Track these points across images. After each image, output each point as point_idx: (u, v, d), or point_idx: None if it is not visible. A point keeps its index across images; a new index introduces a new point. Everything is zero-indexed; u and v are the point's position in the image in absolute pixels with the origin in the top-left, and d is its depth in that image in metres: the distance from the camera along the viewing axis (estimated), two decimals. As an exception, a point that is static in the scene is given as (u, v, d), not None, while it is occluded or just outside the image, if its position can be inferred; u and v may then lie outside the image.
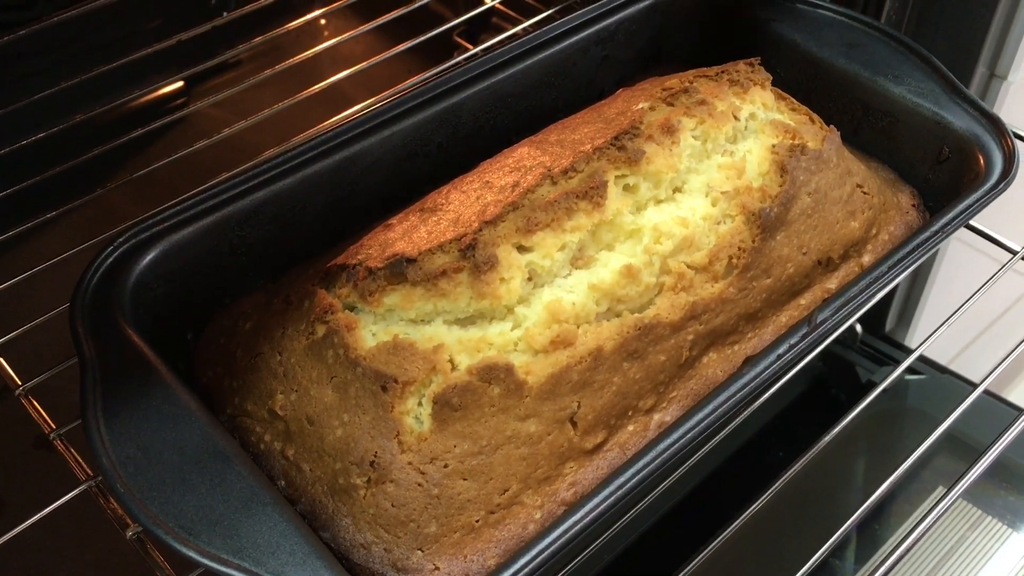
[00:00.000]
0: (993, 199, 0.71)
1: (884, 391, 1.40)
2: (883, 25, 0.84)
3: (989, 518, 1.21)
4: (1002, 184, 0.71)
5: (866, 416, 1.35)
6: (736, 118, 0.70)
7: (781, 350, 0.61)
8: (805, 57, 0.84)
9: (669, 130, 0.66)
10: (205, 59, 1.05)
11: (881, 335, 1.49)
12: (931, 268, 1.43)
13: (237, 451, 0.55)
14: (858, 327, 1.28)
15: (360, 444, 0.58)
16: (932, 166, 0.79)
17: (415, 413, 0.58)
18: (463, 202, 0.64)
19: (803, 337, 0.62)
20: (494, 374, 0.58)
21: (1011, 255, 0.85)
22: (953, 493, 0.70)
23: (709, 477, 1.15)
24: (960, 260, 1.34)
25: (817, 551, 0.66)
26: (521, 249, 0.61)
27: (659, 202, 0.66)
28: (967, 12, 1.03)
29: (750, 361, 0.61)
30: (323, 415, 0.59)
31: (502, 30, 1.13)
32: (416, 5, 1.06)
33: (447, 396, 0.57)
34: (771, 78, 0.76)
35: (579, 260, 0.62)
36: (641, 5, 0.87)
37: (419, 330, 0.60)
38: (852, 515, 0.96)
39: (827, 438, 0.73)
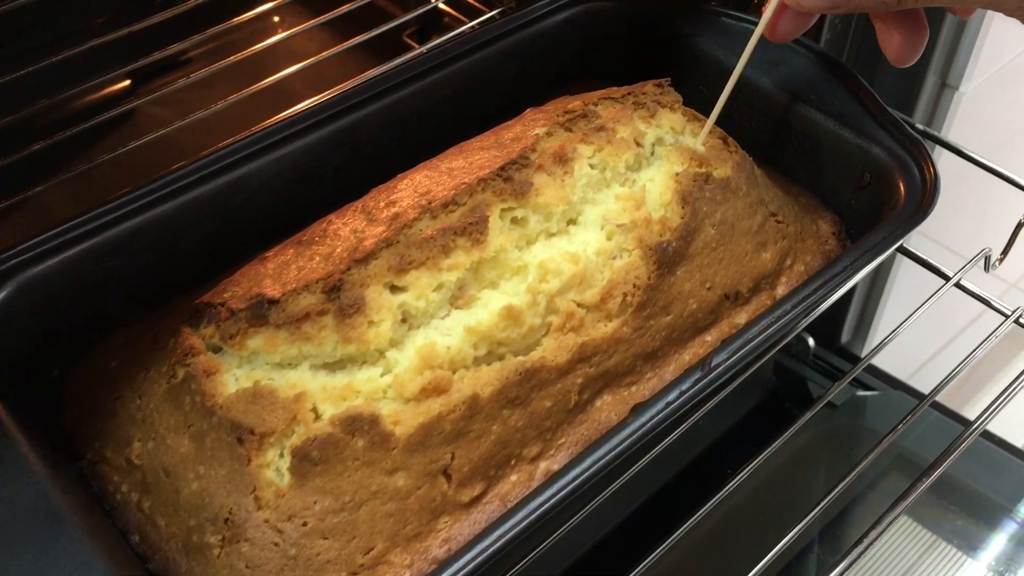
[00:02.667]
0: (911, 229, 0.67)
1: (837, 407, 1.36)
2: (808, 41, 0.80)
3: (943, 543, 1.18)
4: (919, 215, 0.67)
5: (818, 433, 1.32)
6: (639, 144, 0.66)
7: (671, 397, 0.58)
8: (729, 74, 0.80)
9: (562, 159, 0.63)
10: (152, 56, 1.01)
11: (836, 348, 1.45)
12: (887, 278, 1.40)
13: (77, 510, 0.52)
14: (811, 340, 1.25)
15: (215, 499, 0.54)
16: (854, 192, 0.75)
17: (275, 466, 0.54)
18: (341, 235, 0.60)
19: (696, 382, 0.58)
20: (358, 425, 0.54)
21: (944, 281, 0.82)
22: (895, 511, 0.68)
23: (654, 494, 1.12)
24: (918, 268, 1.31)
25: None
26: (394, 289, 0.57)
27: (550, 235, 0.62)
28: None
29: (638, 409, 0.57)
30: (179, 466, 0.56)
31: (453, 29, 1.10)
32: (363, 1, 1.03)
33: (307, 449, 0.53)
34: (681, 100, 0.72)
35: (459, 300, 0.59)
36: (559, 17, 0.83)
37: (283, 375, 0.56)
38: (799, 537, 0.93)
39: (757, 462, 0.70)
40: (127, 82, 1.19)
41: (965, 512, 1.21)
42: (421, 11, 1.11)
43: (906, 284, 1.42)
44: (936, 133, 0.94)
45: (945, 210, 1.25)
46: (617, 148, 0.65)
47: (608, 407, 0.62)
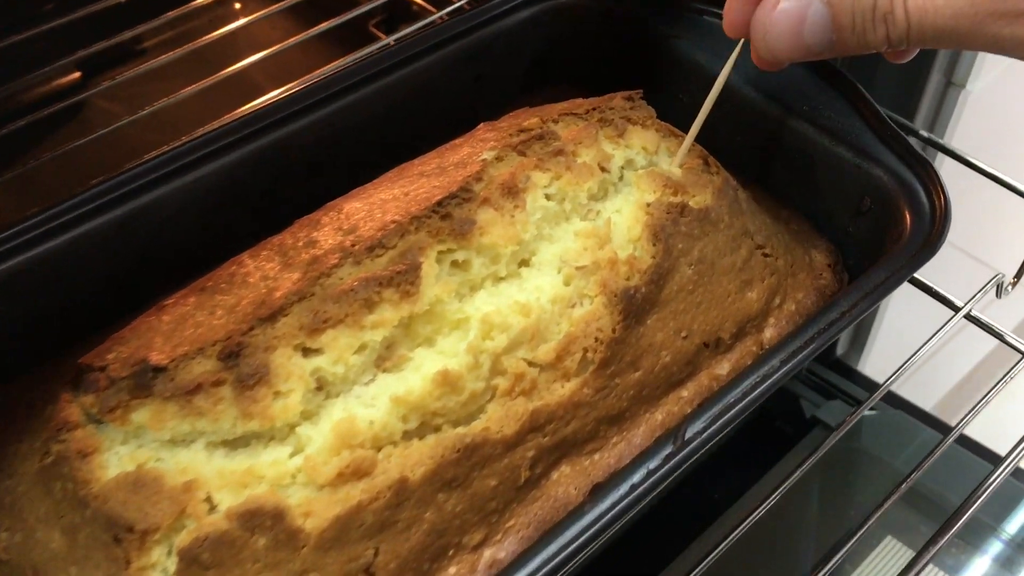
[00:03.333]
0: (917, 266, 0.58)
1: (831, 429, 1.27)
2: (802, 44, 0.71)
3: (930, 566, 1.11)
4: (927, 249, 0.58)
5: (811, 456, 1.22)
6: (604, 169, 0.57)
7: (636, 478, 0.49)
8: (711, 82, 0.70)
9: (512, 191, 0.53)
10: (104, 42, 0.93)
11: (830, 361, 1.36)
12: None
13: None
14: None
15: (89, 608, 0.45)
16: (853, 218, 0.66)
17: (162, 566, 0.45)
18: (250, 282, 0.51)
19: (666, 459, 0.49)
20: (259, 520, 0.45)
21: (954, 312, 0.74)
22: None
23: (641, 520, 1.04)
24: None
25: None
26: (307, 352, 0.48)
27: (498, 280, 0.53)
28: None
29: (598, 492, 0.48)
30: (49, 565, 0.47)
31: (423, 18, 1.01)
32: None
33: (196, 550, 0.44)
34: (654, 114, 0.63)
35: (386, 362, 0.50)
36: (521, 16, 0.73)
37: (174, 456, 0.47)
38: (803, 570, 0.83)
39: (773, 497, 0.62)
40: (77, 74, 1.11)
41: (922, 512, 1.14)
42: (382, 1, 1.02)
43: (907, 288, 1.31)
44: (940, 140, 0.85)
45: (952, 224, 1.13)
46: (578, 175, 0.56)
47: (566, 480, 0.53)
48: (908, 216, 0.61)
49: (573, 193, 0.55)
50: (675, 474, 0.50)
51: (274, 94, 0.76)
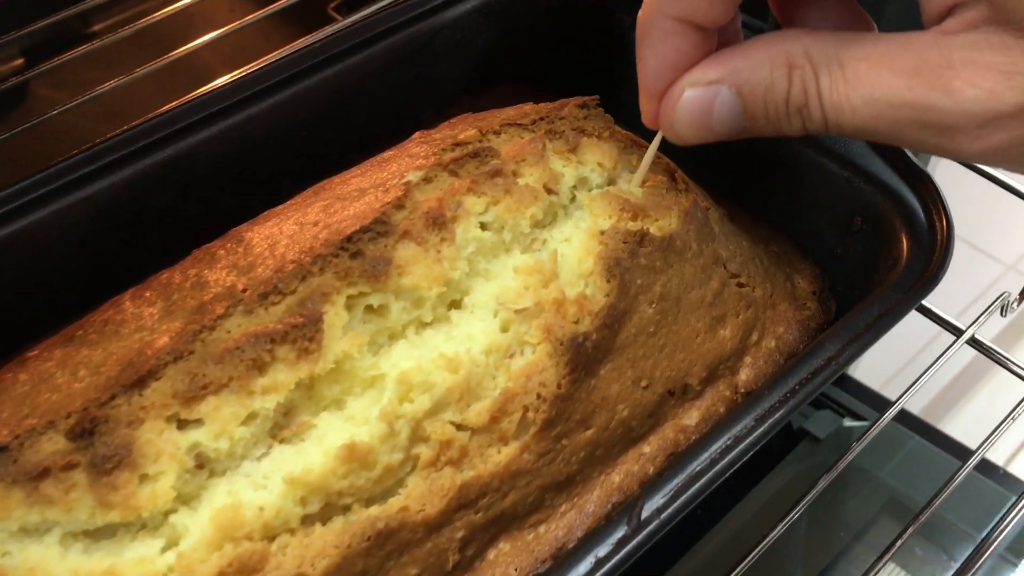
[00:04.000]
0: (915, 302, 0.50)
1: (821, 441, 1.19)
2: (784, 38, 0.63)
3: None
4: (927, 282, 0.50)
5: (800, 471, 1.15)
6: (551, 191, 0.49)
7: (583, 569, 0.41)
8: (680, 81, 0.62)
9: (439, 222, 0.45)
10: (49, 31, 0.87)
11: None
12: None
13: None
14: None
15: None
16: (842, 239, 0.58)
17: None
18: (123, 332, 0.43)
19: (620, 544, 0.41)
20: (119, 635, 0.37)
21: (956, 336, 0.66)
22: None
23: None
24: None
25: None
26: (182, 425, 0.40)
27: (423, 326, 0.45)
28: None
29: (536, 586, 0.40)
30: None
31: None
32: None
33: (41, 674, 0.36)
34: (612, 123, 0.55)
35: (284, 430, 0.41)
36: (467, 6, 0.65)
37: (24, 549, 0.39)
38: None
39: (784, 526, 0.54)
40: (20, 60, 1.03)
41: (927, 539, 1.07)
42: None
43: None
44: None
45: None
46: (519, 200, 0.47)
47: (505, 559, 0.45)
48: (905, 240, 0.53)
49: (513, 221, 0.47)
50: (632, 559, 0.42)
51: (220, 82, 0.70)
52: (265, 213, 0.51)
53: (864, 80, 0.38)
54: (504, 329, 0.45)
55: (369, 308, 0.44)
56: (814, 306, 0.57)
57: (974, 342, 0.66)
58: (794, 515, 0.51)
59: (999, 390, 1.60)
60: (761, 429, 0.45)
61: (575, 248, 0.48)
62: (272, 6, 0.86)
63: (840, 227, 0.58)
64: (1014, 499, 0.61)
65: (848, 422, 1.14)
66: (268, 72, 0.58)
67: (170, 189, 0.56)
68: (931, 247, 0.52)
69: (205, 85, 0.79)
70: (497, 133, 0.51)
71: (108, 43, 0.84)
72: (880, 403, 1.17)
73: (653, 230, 0.49)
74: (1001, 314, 0.69)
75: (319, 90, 0.60)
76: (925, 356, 1.51)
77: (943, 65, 0.36)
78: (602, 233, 0.48)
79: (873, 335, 0.49)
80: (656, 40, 0.44)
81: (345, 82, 0.61)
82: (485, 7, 0.65)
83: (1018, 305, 0.71)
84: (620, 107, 0.66)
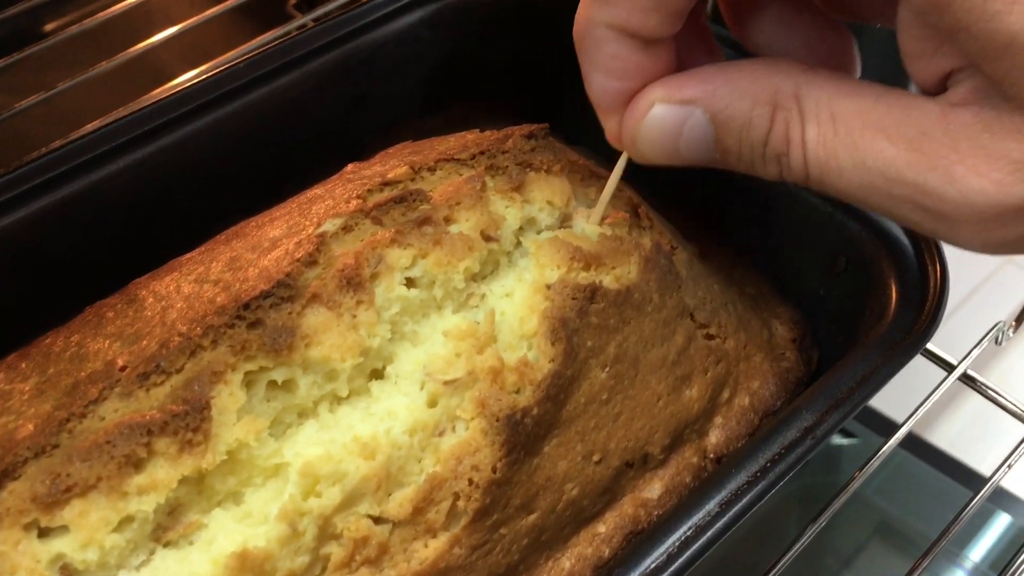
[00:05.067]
0: (906, 360, 0.45)
1: (807, 463, 1.13)
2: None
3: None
4: (919, 336, 0.45)
5: (787, 493, 1.09)
6: (490, 238, 0.43)
7: None
8: (647, 100, 0.56)
9: (354, 281, 0.39)
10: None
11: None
12: None
13: None
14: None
15: None
16: (825, 279, 0.52)
17: None
18: (-11, 415, 0.37)
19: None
20: None
21: (947, 371, 0.60)
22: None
23: None
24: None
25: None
26: (43, 533, 0.34)
27: (338, 402, 0.39)
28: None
29: None
30: None
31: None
32: None
33: None
34: (567, 152, 0.49)
35: (170, 532, 0.36)
36: (413, 18, 0.59)
37: None
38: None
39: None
40: None
41: (909, 556, 1.02)
42: None
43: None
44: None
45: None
46: (451, 251, 0.41)
47: (436, 665, 0.40)
48: (893, 286, 0.47)
49: (445, 276, 0.41)
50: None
51: (182, 79, 0.65)
52: (171, 262, 0.45)
53: (858, 142, 0.32)
54: (432, 403, 0.39)
55: (273, 384, 0.38)
56: (793, 356, 0.51)
57: (966, 378, 0.61)
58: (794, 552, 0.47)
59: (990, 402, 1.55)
60: (726, 518, 0.39)
61: (517, 305, 0.42)
62: (229, 2, 0.81)
63: (823, 267, 0.52)
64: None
65: (838, 439, 1.08)
66: (185, 97, 0.52)
67: (75, 228, 0.50)
68: (922, 296, 0.46)
69: (158, 83, 0.75)
70: (432, 170, 0.45)
71: (60, 42, 0.79)
72: (871, 418, 1.11)
73: (608, 282, 0.44)
74: (996, 343, 0.64)
75: (244, 115, 0.54)
76: (917, 362, 1.45)
77: (948, 145, 0.30)
78: (548, 287, 0.42)
79: (855, 402, 0.43)
80: (592, 49, 0.38)
81: (276, 105, 0.55)
82: (432, 19, 0.59)
83: (1014, 332, 0.66)
84: (585, 127, 0.61)
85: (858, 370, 0.43)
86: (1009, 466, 0.58)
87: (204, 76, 0.53)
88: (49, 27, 1.06)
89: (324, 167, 0.56)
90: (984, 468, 1.01)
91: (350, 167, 0.50)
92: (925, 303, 0.46)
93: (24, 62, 0.81)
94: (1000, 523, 1.00)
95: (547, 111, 0.62)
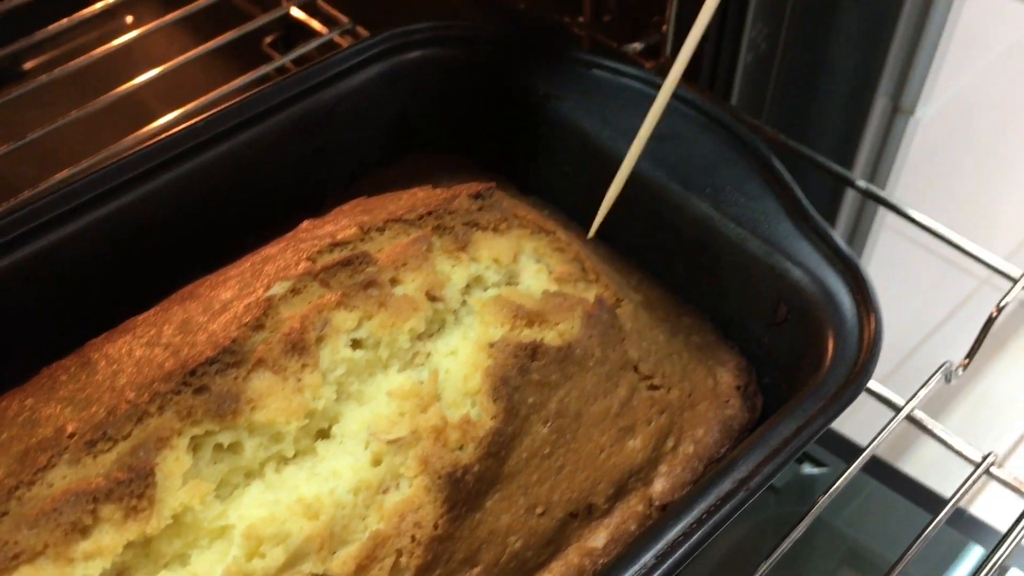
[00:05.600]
0: (836, 414, 0.46)
1: (779, 491, 1.15)
2: (710, 106, 0.58)
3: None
4: (850, 389, 0.46)
5: (757, 524, 1.10)
6: (435, 298, 0.45)
7: None
8: (598, 154, 0.58)
9: (298, 347, 0.41)
10: None
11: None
12: None
13: None
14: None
15: None
16: (767, 328, 0.54)
17: None
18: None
19: None
20: None
21: (895, 411, 0.62)
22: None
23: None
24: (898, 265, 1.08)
25: None
26: (-10, 602, 0.36)
27: (284, 462, 0.40)
28: (861, 27, 0.79)
29: None
30: None
31: (320, 36, 0.90)
32: None
33: None
34: (515, 208, 0.50)
35: (117, 594, 0.37)
36: (371, 73, 0.60)
37: None
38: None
39: None
40: None
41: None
42: (272, 17, 0.92)
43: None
44: (880, 192, 0.74)
45: (894, 287, 1.01)
46: (395, 313, 0.43)
47: None
48: (831, 336, 0.49)
49: (390, 336, 0.43)
50: None
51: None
52: (126, 323, 0.46)
53: None
54: (376, 462, 0.41)
55: (220, 446, 0.39)
56: (738, 403, 0.53)
57: (912, 419, 0.62)
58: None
59: (964, 417, 1.57)
60: (660, 572, 0.40)
61: (461, 363, 0.44)
62: (209, 44, 0.83)
63: (766, 316, 0.53)
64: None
65: (807, 469, 1.09)
66: (146, 155, 0.54)
67: (38, 285, 0.51)
68: (857, 348, 0.47)
69: (141, 123, 0.76)
70: (381, 230, 0.47)
71: (42, 82, 0.80)
72: (839, 445, 1.12)
73: (550, 339, 0.45)
74: (946, 381, 0.65)
75: (206, 171, 0.55)
76: (915, 361, 1.47)
77: None
78: (491, 345, 0.44)
79: (788, 453, 0.44)
80: None
81: (238, 160, 0.56)
82: (390, 74, 0.61)
83: (964, 370, 0.67)
84: (535, 178, 0.62)
85: (791, 422, 0.45)
86: (955, 504, 0.59)
87: (161, 137, 0.54)
88: (28, 65, 1.08)
89: (286, 218, 0.58)
90: (1015, 479, 1.02)
91: (305, 224, 0.51)
92: (859, 355, 0.47)
93: (5, 100, 0.82)
94: (974, 555, 1.01)
95: (501, 161, 0.63)
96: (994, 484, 0.62)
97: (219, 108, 0.56)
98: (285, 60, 0.87)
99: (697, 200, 0.54)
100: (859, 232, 0.97)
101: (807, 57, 0.84)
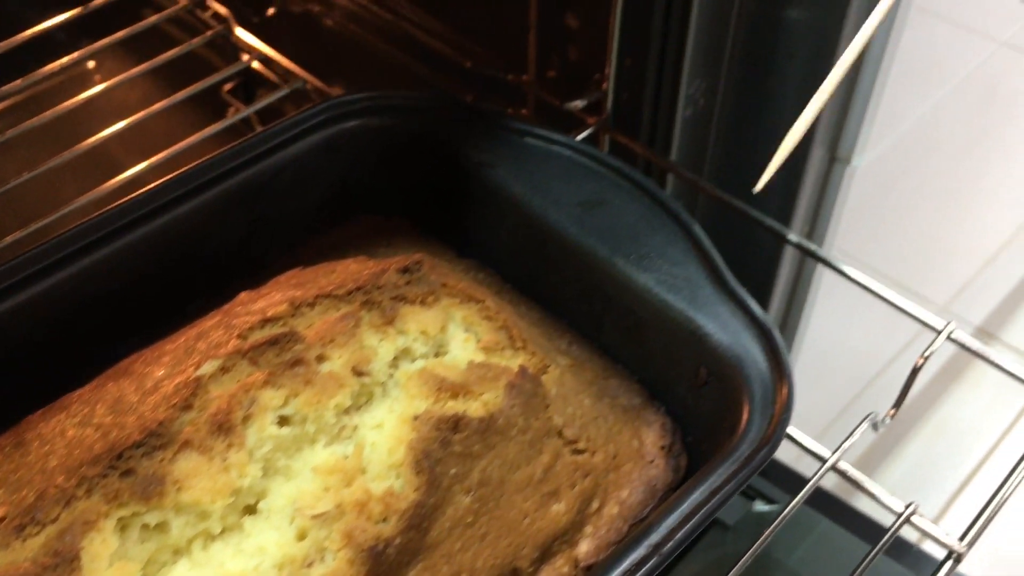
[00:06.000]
0: (746, 480, 0.48)
1: (730, 527, 1.16)
2: (634, 173, 0.61)
3: None
4: (757, 455, 0.48)
5: (709, 562, 1.12)
6: (363, 373, 0.46)
7: None
8: (531, 220, 0.60)
9: (224, 427, 0.42)
10: None
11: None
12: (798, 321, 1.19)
13: None
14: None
15: None
16: (691, 390, 0.56)
17: None
18: None
19: None
20: None
21: (820, 463, 0.64)
22: None
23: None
24: (834, 299, 1.10)
25: None
26: None
27: (211, 539, 0.42)
28: (796, 79, 0.82)
29: None
30: None
31: (279, 88, 0.92)
32: (181, 51, 0.89)
33: None
34: (445, 279, 0.52)
35: (45, 674, 0.38)
36: (310, 141, 0.62)
37: None
38: None
39: None
40: None
41: None
42: (233, 70, 0.94)
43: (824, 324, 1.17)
44: (812, 247, 0.76)
45: (837, 336, 1.03)
46: (321, 390, 0.45)
47: None
48: (746, 401, 0.51)
49: (316, 413, 0.44)
50: None
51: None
52: (63, 399, 0.48)
53: None
54: (301, 537, 0.42)
55: (147, 526, 0.41)
56: (662, 463, 0.55)
57: (837, 470, 0.64)
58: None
59: (925, 443, 1.60)
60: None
61: (386, 436, 0.45)
62: (173, 97, 0.85)
63: (688, 378, 0.55)
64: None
65: (759, 506, 1.11)
66: (85, 230, 0.55)
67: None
68: (769, 415, 0.50)
69: (106, 174, 0.78)
70: (311, 305, 0.49)
71: (7, 137, 0.82)
72: (792, 481, 1.14)
73: (474, 409, 0.47)
74: (874, 429, 0.67)
75: (147, 243, 0.57)
76: (854, 410, 1.50)
77: None
78: (415, 418, 0.46)
79: (702, 517, 0.46)
80: None
81: (179, 231, 0.58)
82: (328, 143, 0.62)
83: (891, 419, 0.70)
84: (472, 244, 0.64)
85: (705, 487, 0.47)
86: (879, 552, 0.61)
87: (98, 213, 0.56)
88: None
89: (227, 285, 0.60)
90: (910, 536, 1.05)
91: (242, 296, 0.53)
92: (771, 420, 0.49)
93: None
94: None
95: (440, 225, 0.65)
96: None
97: (158, 182, 0.58)
98: (248, 112, 0.89)
99: (623, 266, 0.57)
100: (801, 284, 1.00)
101: (745, 111, 0.86)
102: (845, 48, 0.88)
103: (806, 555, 1.11)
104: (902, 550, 1.08)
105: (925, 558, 1.05)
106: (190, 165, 0.59)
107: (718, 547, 1.09)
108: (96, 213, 0.56)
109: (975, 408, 1.61)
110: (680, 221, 0.58)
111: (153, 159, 0.79)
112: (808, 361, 1.12)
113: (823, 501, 1.11)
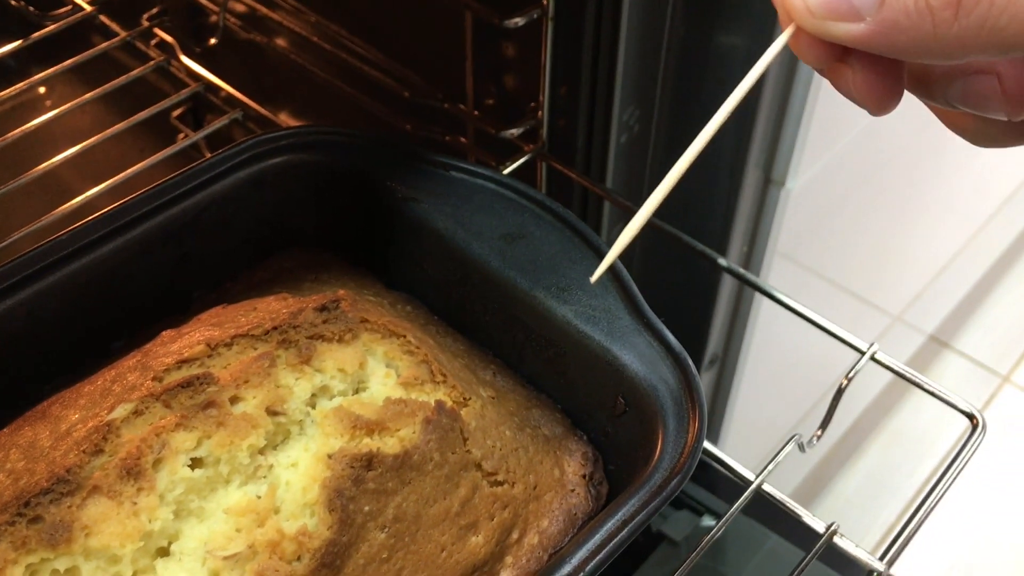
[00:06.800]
0: (659, 508, 0.49)
1: (678, 543, 1.18)
2: (556, 205, 0.62)
3: None
4: (673, 482, 0.49)
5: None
6: (278, 413, 0.47)
7: None
8: (454, 254, 0.61)
9: (133, 471, 0.43)
10: None
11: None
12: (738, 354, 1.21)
13: None
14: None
15: None
16: (611, 419, 0.57)
17: None
18: None
19: None
20: None
21: (745, 485, 0.65)
22: None
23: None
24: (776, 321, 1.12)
25: None
26: None
27: (123, 583, 0.42)
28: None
29: None
30: None
31: (225, 112, 0.93)
32: (129, 78, 0.90)
33: None
34: (364, 316, 0.53)
35: None
36: (236, 177, 0.63)
37: None
38: None
39: None
40: None
41: None
42: (182, 97, 0.94)
43: (764, 354, 1.19)
44: (747, 274, 0.78)
45: (776, 361, 1.05)
46: (234, 432, 0.45)
47: None
48: (660, 431, 0.52)
49: (230, 454, 0.45)
50: None
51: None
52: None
53: None
54: (213, 578, 0.43)
55: (57, 572, 0.41)
56: (582, 492, 0.56)
57: (762, 492, 0.66)
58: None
59: (875, 458, 1.62)
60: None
61: (301, 475, 0.46)
62: (123, 123, 0.86)
63: (607, 408, 0.57)
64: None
65: (707, 521, 1.12)
66: (10, 271, 0.55)
67: None
68: (682, 445, 0.51)
69: (57, 200, 0.78)
70: (228, 345, 0.49)
71: None
72: (733, 493, 1.15)
73: (388, 446, 0.48)
74: (800, 451, 0.69)
75: (70, 282, 0.57)
76: (806, 424, 1.52)
77: None
78: (330, 456, 0.46)
79: (615, 546, 0.47)
80: None
81: (103, 270, 0.58)
82: (255, 179, 0.63)
83: (818, 440, 0.71)
84: (399, 277, 0.65)
85: (617, 517, 0.48)
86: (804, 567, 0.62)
87: (22, 253, 0.56)
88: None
89: (155, 321, 0.60)
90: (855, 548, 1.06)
91: (165, 334, 0.53)
92: (683, 451, 0.51)
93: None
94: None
95: (369, 258, 0.66)
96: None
97: (81, 222, 0.58)
98: (197, 137, 0.90)
99: (544, 298, 0.58)
100: (741, 308, 1.01)
101: (680, 137, 0.88)
102: (772, 73, 0.90)
103: (755, 571, 1.12)
104: (842, 561, 1.09)
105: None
106: (113, 205, 0.60)
107: (667, 562, 1.11)
108: (14, 256, 0.56)
109: (928, 417, 1.64)
110: (600, 253, 0.59)
111: (104, 184, 0.80)
112: (752, 385, 1.13)
113: (772, 517, 1.12)
